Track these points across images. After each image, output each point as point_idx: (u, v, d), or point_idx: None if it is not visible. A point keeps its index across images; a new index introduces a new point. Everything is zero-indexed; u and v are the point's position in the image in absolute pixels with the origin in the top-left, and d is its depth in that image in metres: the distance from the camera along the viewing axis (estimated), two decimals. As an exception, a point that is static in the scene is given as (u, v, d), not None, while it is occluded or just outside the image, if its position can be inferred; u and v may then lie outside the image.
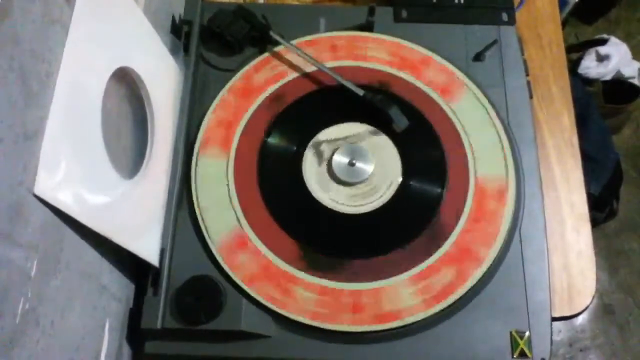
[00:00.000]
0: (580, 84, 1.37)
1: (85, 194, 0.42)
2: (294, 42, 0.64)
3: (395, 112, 0.59)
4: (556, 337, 1.33)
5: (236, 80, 0.62)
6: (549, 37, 0.76)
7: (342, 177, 0.58)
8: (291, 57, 0.64)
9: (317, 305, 0.53)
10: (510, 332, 0.53)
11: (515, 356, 0.52)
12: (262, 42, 0.64)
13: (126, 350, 0.53)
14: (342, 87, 0.60)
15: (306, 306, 0.53)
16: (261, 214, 0.57)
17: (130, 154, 0.54)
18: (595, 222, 1.25)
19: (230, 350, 0.52)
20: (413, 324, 0.52)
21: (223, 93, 0.62)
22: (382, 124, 0.60)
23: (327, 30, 0.66)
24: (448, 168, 0.59)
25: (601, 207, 1.26)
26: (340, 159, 0.58)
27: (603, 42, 1.47)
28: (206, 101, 0.62)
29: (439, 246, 0.55)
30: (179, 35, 0.64)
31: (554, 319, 0.55)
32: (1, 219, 0.33)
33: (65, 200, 0.39)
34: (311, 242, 0.55)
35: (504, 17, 0.67)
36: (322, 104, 0.62)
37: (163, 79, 0.58)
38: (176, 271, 0.53)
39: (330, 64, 0.63)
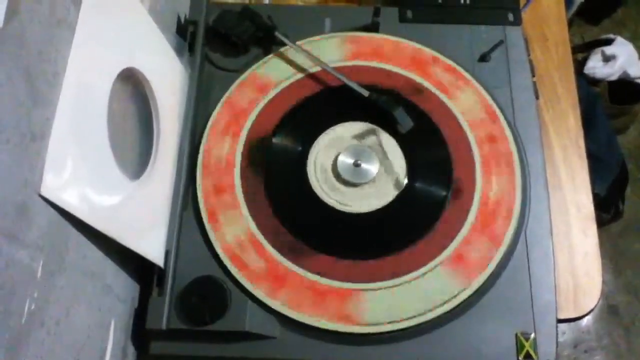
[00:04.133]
0: (586, 85, 1.37)
1: (91, 194, 0.42)
2: (300, 42, 0.64)
3: (400, 113, 0.58)
4: (560, 339, 1.33)
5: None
6: (555, 38, 0.75)
7: (347, 177, 0.57)
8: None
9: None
10: (516, 334, 0.52)
11: (520, 358, 0.52)
12: (268, 43, 0.64)
13: (131, 351, 0.53)
14: (348, 88, 0.60)
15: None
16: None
17: (136, 155, 0.54)
18: (600, 223, 1.24)
19: (235, 350, 0.52)
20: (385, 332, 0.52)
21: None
22: (388, 125, 0.60)
23: (332, 30, 0.66)
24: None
25: (607, 207, 1.26)
26: (345, 159, 0.58)
27: (609, 42, 1.47)
28: (211, 102, 0.62)
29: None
30: (185, 35, 0.64)
31: (560, 321, 0.55)
32: (7, 220, 0.33)
33: (70, 201, 0.39)
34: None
35: (510, 17, 0.67)
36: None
37: (168, 79, 0.58)
38: (181, 272, 0.53)
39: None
